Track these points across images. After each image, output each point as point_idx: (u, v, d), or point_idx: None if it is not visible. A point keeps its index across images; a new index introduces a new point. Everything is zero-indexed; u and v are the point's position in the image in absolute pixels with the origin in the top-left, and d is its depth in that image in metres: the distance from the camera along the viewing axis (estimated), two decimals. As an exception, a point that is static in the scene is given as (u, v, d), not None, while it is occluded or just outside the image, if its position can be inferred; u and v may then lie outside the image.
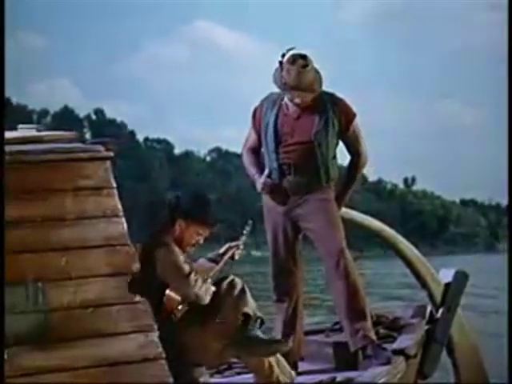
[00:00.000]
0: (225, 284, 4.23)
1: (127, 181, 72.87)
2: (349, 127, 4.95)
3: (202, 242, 4.33)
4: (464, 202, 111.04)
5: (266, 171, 4.93)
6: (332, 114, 4.87)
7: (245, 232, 4.47)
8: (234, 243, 4.44)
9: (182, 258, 4.18)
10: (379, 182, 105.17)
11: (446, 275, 5.27)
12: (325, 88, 4.96)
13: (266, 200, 5.03)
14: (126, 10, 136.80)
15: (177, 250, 4.21)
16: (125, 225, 3.94)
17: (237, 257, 4.44)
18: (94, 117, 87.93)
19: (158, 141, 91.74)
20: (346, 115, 4.93)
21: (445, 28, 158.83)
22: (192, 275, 4.11)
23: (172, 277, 4.12)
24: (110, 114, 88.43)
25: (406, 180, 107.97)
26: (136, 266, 3.94)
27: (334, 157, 4.96)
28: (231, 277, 4.26)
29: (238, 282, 4.24)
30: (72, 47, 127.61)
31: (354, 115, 4.96)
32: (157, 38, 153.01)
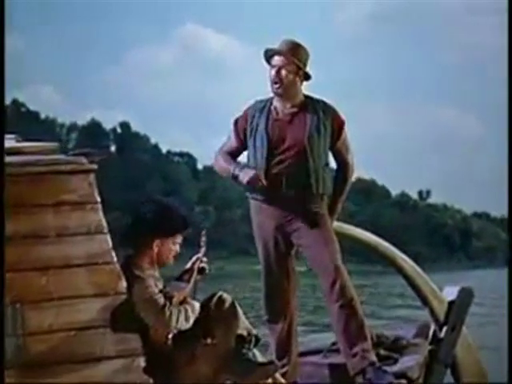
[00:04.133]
0: (213, 301, 4.14)
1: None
2: (340, 135, 4.87)
3: (178, 249, 4.28)
4: (478, 215, 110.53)
5: (248, 172, 4.80)
6: (324, 119, 4.80)
7: (202, 243, 4.36)
8: (194, 257, 4.31)
9: (155, 289, 4.04)
10: (402, 195, 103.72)
11: (450, 293, 5.19)
12: (317, 94, 4.94)
13: (256, 215, 4.90)
14: (112, 14, 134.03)
15: (151, 283, 4.06)
16: (110, 242, 3.85)
17: (206, 270, 4.32)
18: (119, 130, 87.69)
19: (181, 154, 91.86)
20: (337, 122, 4.86)
21: (447, 31, 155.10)
22: (166, 308, 3.98)
23: (147, 314, 3.96)
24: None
25: (420, 193, 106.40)
26: (122, 286, 3.88)
27: (327, 164, 4.86)
28: (219, 293, 4.17)
29: (228, 298, 4.15)
30: (55, 52, 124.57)
31: (343, 123, 4.89)
32: (145, 43, 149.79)
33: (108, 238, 3.85)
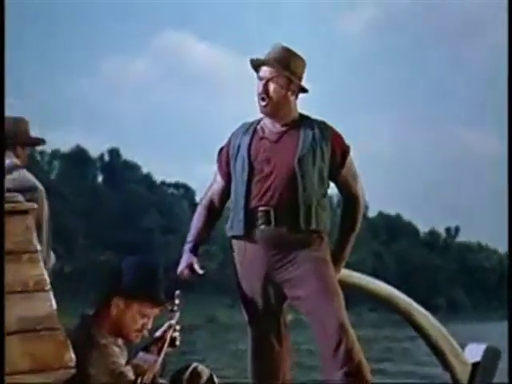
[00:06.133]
0: (186, 375, 3.70)
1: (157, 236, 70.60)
2: (344, 163, 4.27)
3: (149, 326, 3.71)
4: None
5: (186, 258, 4.26)
6: (322, 142, 4.21)
7: (175, 308, 3.84)
8: (166, 324, 3.82)
9: (122, 360, 3.56)
10: (432, 233, 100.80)
11: (475, 352, 4.82)
12: (313, 112, 4.36)
13: (239, 259, 4.28)
14: (80, 20, 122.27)
15: (115, 351, 3.56)
16: (53, 302, 3.30)
17: (177, 342, 3.84)
18: (107, 158, 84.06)
19: (177, 185, 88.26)
20: (339, 147, 4.27)
21: (457, 43, 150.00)
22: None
23: None
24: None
25: (448, 230, 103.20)
26: (70, 357, 3.27)
27: (324, 196, 4.24)
28: (194, 364, 3.76)
29: (204, 371, 3.74)
30: (17, 63, 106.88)
31: (348, 148, 4.30)
32: (117, 53, 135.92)
33: (51, 296, 3.29)
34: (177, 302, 3.82)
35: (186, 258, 4.28)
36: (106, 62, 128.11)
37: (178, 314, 3.82)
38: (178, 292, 3.85)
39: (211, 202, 4.37)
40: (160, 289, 3.69)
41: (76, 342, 3.38)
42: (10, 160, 4.20)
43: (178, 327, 3.80)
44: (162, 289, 3.71)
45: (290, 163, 4.13)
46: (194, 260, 4.25)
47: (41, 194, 4.15)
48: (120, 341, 3.63)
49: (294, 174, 4.12)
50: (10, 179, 4.01)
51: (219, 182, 4.35)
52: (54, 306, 3.25)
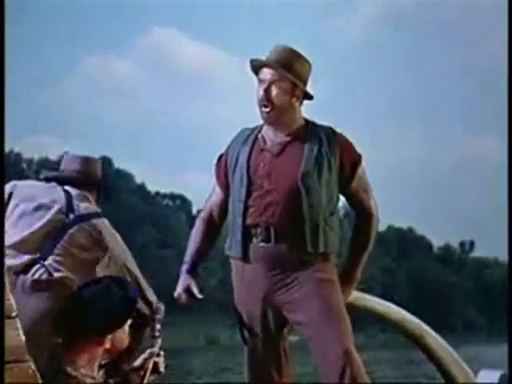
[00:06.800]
0: None
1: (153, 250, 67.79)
2: (354, 174, 3.96)
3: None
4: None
5: (183, 280, 3.99)
6: (329, 152, 3.91)
7: (157, 334, 3.72)
8: (147, 352, 3.73)
9: None
10: (446, 248, 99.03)
11: (488, 379, 4.71)
12: (316, 119, 4.02)
13: (237, 280, 4.02)
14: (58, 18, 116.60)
15: (88, 382, 3.42)
16: (21, 331, 3.03)
17: (161, 368, 3.74)
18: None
19: (172, 196, 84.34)
20: (349, 157, 3.96)
21: (470, 42, 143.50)
22: None
23: None
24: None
25: (462, 244, 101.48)
26: None
27: (332, 214, 3.93)
28: None
29: None
30: None
31: (359, 157, 3.99)
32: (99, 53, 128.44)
33: (18, 324, 3.03)
34: (158, 327, 3.71)
35: (183, 279, 4.00)
36: (91, 64, 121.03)
37: (159, 341, 3.70)
38: (159, 316, 3.75)
39: (211, 216, 4.10)
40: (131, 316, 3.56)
41: (45, 375, 3.19)
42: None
43: (161, 352, 3.71)
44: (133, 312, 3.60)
45: (293, 179, 3.85)
46: (192, 283, 3.98)
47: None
48: (96, 372, 3.51)
49: (298, 190, 3.84)
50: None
51: (218, 193, 4.09)
52: (22, 336, 3.00)
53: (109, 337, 3.53)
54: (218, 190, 4.07)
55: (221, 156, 4.08)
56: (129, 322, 3.61)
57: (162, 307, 3.99)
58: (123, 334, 3.59)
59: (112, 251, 3.93)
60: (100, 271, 3.82)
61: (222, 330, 64.14)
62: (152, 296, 4.07)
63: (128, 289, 3.61)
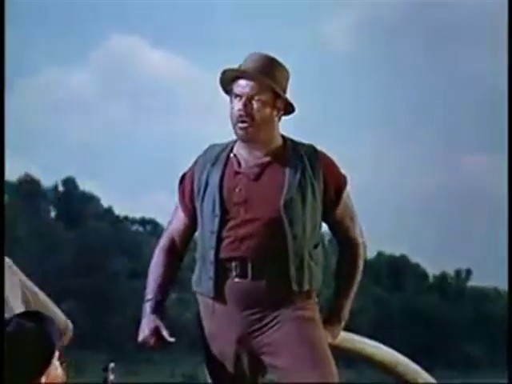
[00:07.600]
0: None
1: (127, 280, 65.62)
2: (339, 199, 3.60)
3: None
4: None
5: (148, 321, 3.57)
6: (313, 175, 3.56)
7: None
8: None
9: None
10: (443, 277, 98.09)
11: None
12: (298, 135, 3.64)
13: (207, 319, 3.62)
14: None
15: None
16: None
17: None
18: (61, 188, 73.00)
19: (143, 221, 77.13)
20: (334, 179, 3.61)
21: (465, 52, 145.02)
22: None
23: None
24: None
25: (458, 273, 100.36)
26: None
27: (316, 246, 3.59)
28: None
29: None
30: None
31: (345, 179, 3.65)
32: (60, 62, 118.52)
33: None
34: (112, 377, 3.49)
35: (148, 322, 3.59)
36: (44, 76, 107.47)
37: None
38: (112, 365, 3.52)
39: (172, 244, 3.67)
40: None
41: None
42: None
43: None
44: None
45: (275, 207, 3.48)
46: (160, 324, 3.56)
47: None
48: None
49: (280, 219, 3.49)
50: None
51: (181, 218, 3.67)
52: None
53: (43, 380, 3.07)
54: (180, 214, 3.66)
55: (184, 176, 3.67)
56: (56, 354, 3.14)
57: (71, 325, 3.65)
58: (56, 371, 3.11)
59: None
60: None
61: (199, 366, 62.39)
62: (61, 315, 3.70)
63: (43, 320, 3.11)
